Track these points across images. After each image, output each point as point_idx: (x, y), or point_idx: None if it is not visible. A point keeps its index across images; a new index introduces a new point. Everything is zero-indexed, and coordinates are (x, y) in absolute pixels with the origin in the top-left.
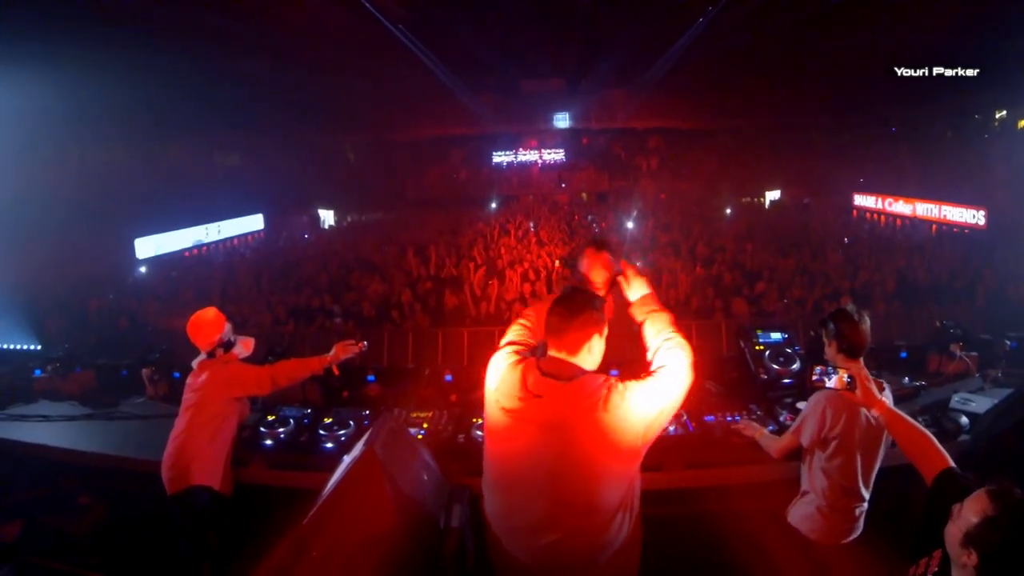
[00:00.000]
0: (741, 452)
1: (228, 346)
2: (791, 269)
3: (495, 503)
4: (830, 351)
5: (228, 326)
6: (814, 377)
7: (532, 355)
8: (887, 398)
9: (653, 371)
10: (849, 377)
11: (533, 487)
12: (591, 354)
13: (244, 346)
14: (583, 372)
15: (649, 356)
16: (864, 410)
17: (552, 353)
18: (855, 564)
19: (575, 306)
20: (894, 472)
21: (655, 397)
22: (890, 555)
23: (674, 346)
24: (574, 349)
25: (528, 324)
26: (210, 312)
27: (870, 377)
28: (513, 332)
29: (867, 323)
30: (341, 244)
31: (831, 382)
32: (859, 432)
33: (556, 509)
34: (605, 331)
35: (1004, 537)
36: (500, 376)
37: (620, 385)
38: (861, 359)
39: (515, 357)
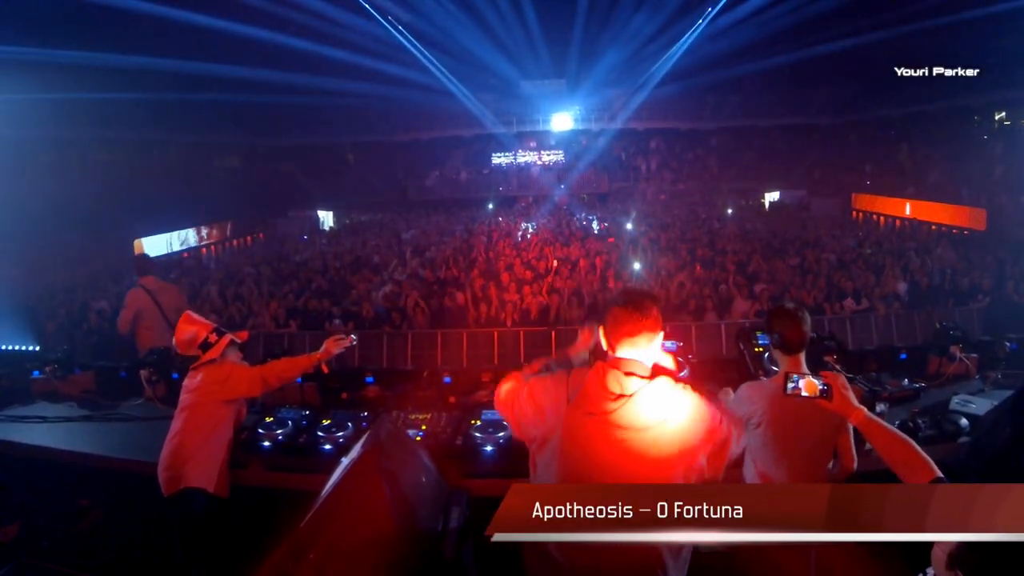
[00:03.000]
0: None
1: (220, 334)
2: (791, 270)
3: None
4: (771, 347)
5: (204, 324)
6: (790, 385)
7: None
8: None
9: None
10: (824, 385)
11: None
12: (658, 348)
13: (239, 336)
14: (660, 370)
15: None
16: (794, 397)
17: (624, 354)
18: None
19: (645, 305)
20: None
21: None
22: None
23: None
24: (648, 347)
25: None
26: (183, 319)
27: (847, 385)
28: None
29: (806, 320)
30: (341, 246)
31: (800, 386)
32: (781, 418)
33: None
34: None
35: (987, 558)
36: (579, 387)
37: (694, 392)
38: (801, 355)
39: (574, 370)
